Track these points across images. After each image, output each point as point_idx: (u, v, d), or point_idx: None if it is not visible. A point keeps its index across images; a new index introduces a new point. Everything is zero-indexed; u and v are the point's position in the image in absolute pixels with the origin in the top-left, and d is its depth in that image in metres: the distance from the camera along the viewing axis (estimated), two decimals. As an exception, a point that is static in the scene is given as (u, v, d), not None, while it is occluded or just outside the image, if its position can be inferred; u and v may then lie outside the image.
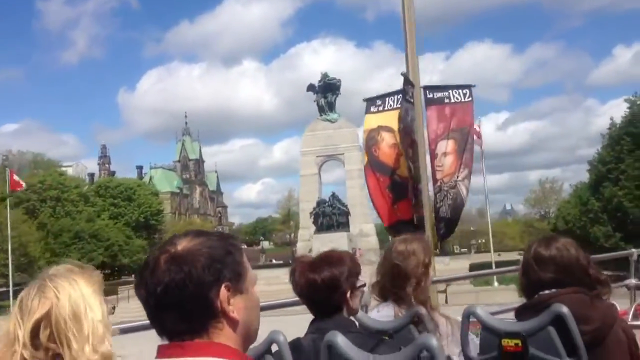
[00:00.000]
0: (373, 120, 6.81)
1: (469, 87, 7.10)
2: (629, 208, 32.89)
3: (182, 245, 1.15)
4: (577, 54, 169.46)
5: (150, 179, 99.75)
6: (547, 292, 2.19)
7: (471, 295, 19.47)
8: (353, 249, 30.47)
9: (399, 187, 6.24)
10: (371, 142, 6.68)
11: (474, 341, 2.34)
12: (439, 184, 6.67)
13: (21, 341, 1.39)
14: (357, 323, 2.15)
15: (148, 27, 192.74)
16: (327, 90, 42.84)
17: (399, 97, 6.35)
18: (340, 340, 1.67)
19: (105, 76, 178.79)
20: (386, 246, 2.69)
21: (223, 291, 1.13)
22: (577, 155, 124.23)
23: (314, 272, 2.05)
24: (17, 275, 35.53)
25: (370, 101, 7.06)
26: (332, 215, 37.57)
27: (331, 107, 43.03)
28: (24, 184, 34.63)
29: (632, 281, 5.20)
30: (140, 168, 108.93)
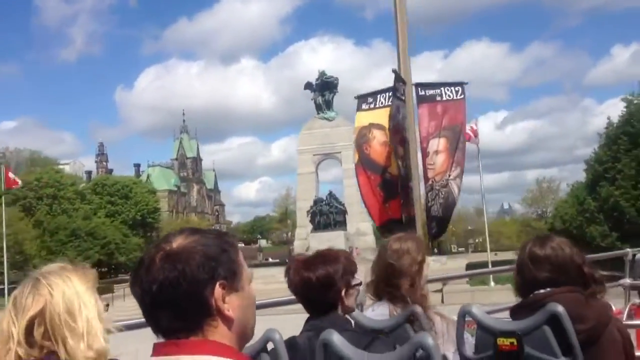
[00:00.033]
0: (364, 118, 6.69)
1: (461, 84, 6.95)
2: (625, 208, 32.93)
3: (177, 243, 1.15)
4: (575, 53, 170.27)
5: (148, 177, 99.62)
6: (542, 291, 2.19)
7: (467, 294, 19.48)
8: (350, 248, 30.50)
9: (390, 185, 6.12)
10: (362, 140, 6.55)
11: (469, 340, 2.34)
12: (430, 182, 6.57)
13: (15, 339, 1.38)
14: (352, 322, 2.15)
15: (146, 24, 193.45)
16: (324, 88, 42.86)
17: (390, 94, 6.22)
18: (336, 338, 1.67)
19: (103, 74, 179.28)
20: (381, 245, 2.69)
21: (218, 289, 1.12)
22: (575, 154, 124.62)
23: (308, 270, 2.05)
24: (12, 273, 35.42)
25: (362, 98, 6.90)
26: (329, 214, 37.61)
27: (328, 105, 43.04)
28: (19, 182, 34.50)
29: (627, 281, 5.22)
30: (137, 166, 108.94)
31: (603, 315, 2.15)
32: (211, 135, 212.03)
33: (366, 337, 1.97)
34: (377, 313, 2.42)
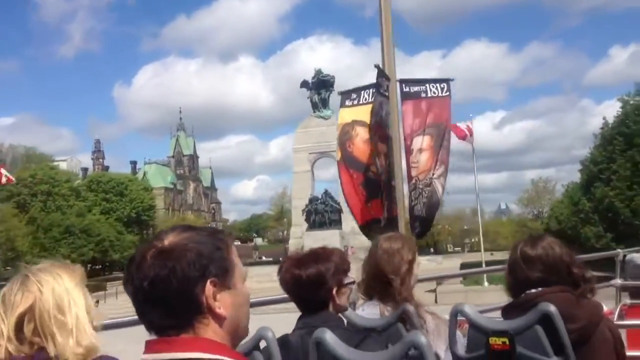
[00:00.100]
0: (347, 115, 6.52)
1: (447, 81, 6.81)
2: (620, 208, 32.97)
3: (168, 240, 1.14)
4: (574, 53, 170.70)
5: (144, 174, 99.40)
6: (533, 291, 2.20)
7: (461, 294, 19.51)
8: (345, 247, 30.51)
9: (372, 184, 6.02)
10: (345, 137, 6.40)
11: (461, 339, 2.34)
12: (414, 181, 6.43)
13: (5, 335, 1.38)
14: (344, 320, 2.15)
15: (145, 22, 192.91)
16: (320, 86, 42.86)
17: (374, 90, 6.11)
18: (329, 337, 1.67)
19: (101, 70, 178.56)
20: (371, 244, 2.69)
21: (209, 287, 1.12)
22: (572, 155, 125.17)
23: (299, 268, 2.06)
24: (4, 270, 35.34)
25: (345, 94, 6.78)
26: (324, 213, 37.61)
27: (325, 103, 43.03)
28: (13, 179, 34.35)
29: (618, 281, 5.24)
30: (134, 163, 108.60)
31: (594, 315, 2.16)
32: (209, 133, 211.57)
33: (358, 335, 1.98)
34: (367, 312, 2.42)
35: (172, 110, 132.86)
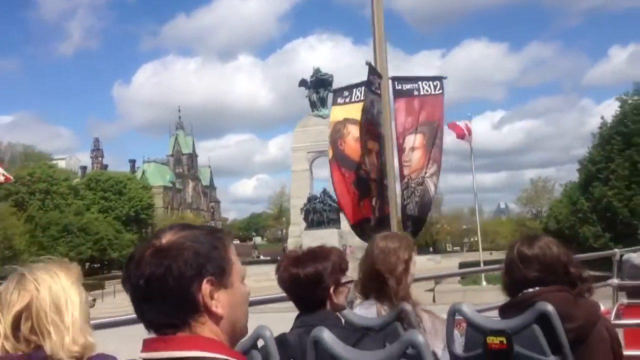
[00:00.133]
0: (339, 113, 6.41)
1: (440, 79, 6.70)
2: (618, 208, 32.95)
3: (166, 238, 1.14)
4: (573, 53, 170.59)
5: (143, 173, 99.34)
6: (530, 290, 2.21)
7: (459, 294, 19.53)
8: (344, 246, 30.47)
9: (364, 183, 5.94)
10: (337, 135, 6.29)
11: (459, 338, 2.35)
12: (406, 180, 6.34)
13: (2, 334, 1.38)
14: (342, 319, 2.15)
15: (144, 20, 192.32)
16: (319, 85, 42.76)
17: (366, 88, 6.02)
18: (327, 336, 1.67)
19: (100, 69, 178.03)
20: (368, 243, 2.69)
21: (205, 286, 1.12)
22: (572, 154, 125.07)
23: (297, 266, 2.06)
24: (2, 268, 35.30)
25: (338, 92, 6.68)
26: (322, 212, 37.55)
27: (323, 102, 42.94)
28: (11, 178, 34.28)
29: (615, 281, 5.25)
30: (133, 162, 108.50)
31: (591, 314, 2.17)
32: (209, 132, 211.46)
33: (356, 334, 1.98)
34: (364, 312, 2.42)
35: (172, 109, 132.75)
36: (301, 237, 36.64)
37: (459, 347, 2.31)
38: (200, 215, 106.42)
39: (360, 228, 5.86)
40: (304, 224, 38.16)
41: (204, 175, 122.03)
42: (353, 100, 6.21)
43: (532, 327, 2.06)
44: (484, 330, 2.16)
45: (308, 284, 2.03)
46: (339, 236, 35.43)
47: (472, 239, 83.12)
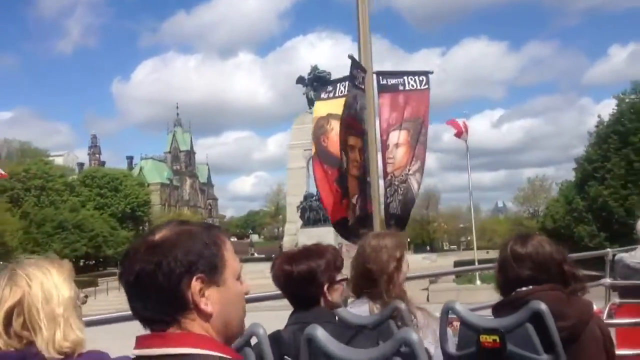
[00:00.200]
0: (322, 108, 6.21)
1: (426, 73, 6.51)
2: (614, 208, 32.89)
3: (160, 235, 1.14)
4: (572, 52, 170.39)
5: (141, 169, 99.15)
6: (524, 289, 2.21)
7: (453, 293, 19.57)
8: (340, 244, 30.42)
9: (346, 180, 5.79)
10: (320, 131, 6.09)
11: (451, 337, 2.35)
12: (389, 177, 6.21)
13: (-6, 330, 1.38)
14: (336, 317, 2.15)
15: (144, 17, 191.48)
16: (316, 83, 42.69)
17: (349, 82, 5.87)
18: (320, 333, 1.67)
19: (100, 66, 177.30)
20: (360, 241, 2.68)
21: (195, 283, 1.11)
22: (571, 153, 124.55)
23: (290, 264, 2.07)
24: (-5, 264, 35.15)
25: (322, 87, 6.56)
26: (319, 210, 37.46)
27: (321, 101, 42.88)
28: (6, 174, 34.16)
29: (607, 280, 5.26)
30: (130, 158, 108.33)
31: (584, 313, 2.17)
32: (207, 129, 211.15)
33: (350, 331, 1.98)
34: (357, 310, 2.42)
35: (171, 105, 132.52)
36: (297, 235, 36.63)
37: (452, 346, 2.31)
38: (198, 213, 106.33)
39: (342, 227, 5.73)
40: (300, 222, 38.14)
41: (202, 172, 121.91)
42: (337, 95, 6.02)
43: (525, 326, 2.07)
44: (477, 329, 2.17)
45: (301, 281, 2.04)
46: (335, 234, 35.33)
47: (468, 238, 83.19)
